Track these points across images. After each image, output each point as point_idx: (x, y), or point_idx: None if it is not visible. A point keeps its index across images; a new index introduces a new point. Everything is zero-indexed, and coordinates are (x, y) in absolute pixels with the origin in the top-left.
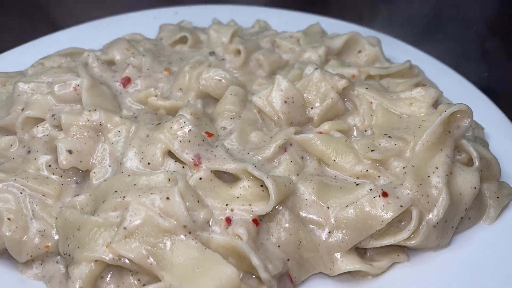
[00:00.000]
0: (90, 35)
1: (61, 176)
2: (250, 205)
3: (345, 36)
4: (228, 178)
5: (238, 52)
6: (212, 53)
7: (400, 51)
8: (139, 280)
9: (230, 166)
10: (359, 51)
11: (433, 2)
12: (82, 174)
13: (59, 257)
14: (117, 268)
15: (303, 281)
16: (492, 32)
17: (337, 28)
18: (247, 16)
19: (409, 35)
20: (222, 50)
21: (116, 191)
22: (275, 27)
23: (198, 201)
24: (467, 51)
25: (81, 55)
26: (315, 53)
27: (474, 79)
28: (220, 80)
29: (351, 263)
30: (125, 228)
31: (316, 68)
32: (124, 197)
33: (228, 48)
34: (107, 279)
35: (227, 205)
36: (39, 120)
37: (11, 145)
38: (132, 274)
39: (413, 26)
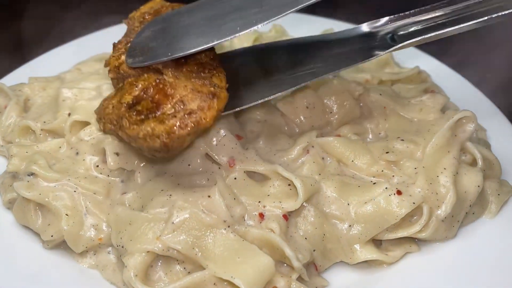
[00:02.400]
0: (114, 40)
1: (108, 176)
2: (280, 202)
3: None
4: (258, 177)
5: None
6: None
7: (407, 54)
8: (184, 268)
9: (261, 168)
10: None
11: None
12: (127, 174)
13: (110, 248)
14: (165, 257)
15: (326, 269)
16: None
17: None
18: None
19: None
20: None
21: (162, 190)
22: (290, 30)
23: (234, 199)
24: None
25: None
26: None
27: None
28: None
29: (369, 253)
30: (173, 223)
31: (335, 76)
32: (170, 195)
33: None
34: (157, 267)
35: (259, 202)
36: (84, 124)
37: (60, 147)
38: (178, 263)
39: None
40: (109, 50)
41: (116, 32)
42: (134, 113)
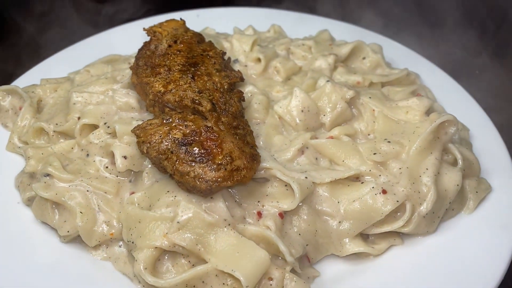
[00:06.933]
0: (121, 40)
1: (117, 176)
2: (277, 202)
3: (351, 44)
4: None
5: (258, 60)
6: (236, 61)
7: (398, 54)
8: (189, 261)
9: (261, 172)
10: (364, 58)
11: None
12: (134, 174)
13: (121, 242)
14: (171, 252)
15: (318, 260)
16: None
17: (343, 31)
18: (262, 18)
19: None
20: (244, 58)
21: (168, 191)
22: (287, 28)
23: (235, 201)
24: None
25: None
26: (325, 61)
27: (465, 78)
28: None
29: (357, 246)
30: (178, 222)
31: (328, 81)
32: (175, 196)
33: (250, 56)
34: (164, 260)
35: (258, 201)
36: (93, 127)
37: (72, 148)
38: (183, 257)
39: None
40: (116, 50)
41: (122, 31)
42: (184, 152)
